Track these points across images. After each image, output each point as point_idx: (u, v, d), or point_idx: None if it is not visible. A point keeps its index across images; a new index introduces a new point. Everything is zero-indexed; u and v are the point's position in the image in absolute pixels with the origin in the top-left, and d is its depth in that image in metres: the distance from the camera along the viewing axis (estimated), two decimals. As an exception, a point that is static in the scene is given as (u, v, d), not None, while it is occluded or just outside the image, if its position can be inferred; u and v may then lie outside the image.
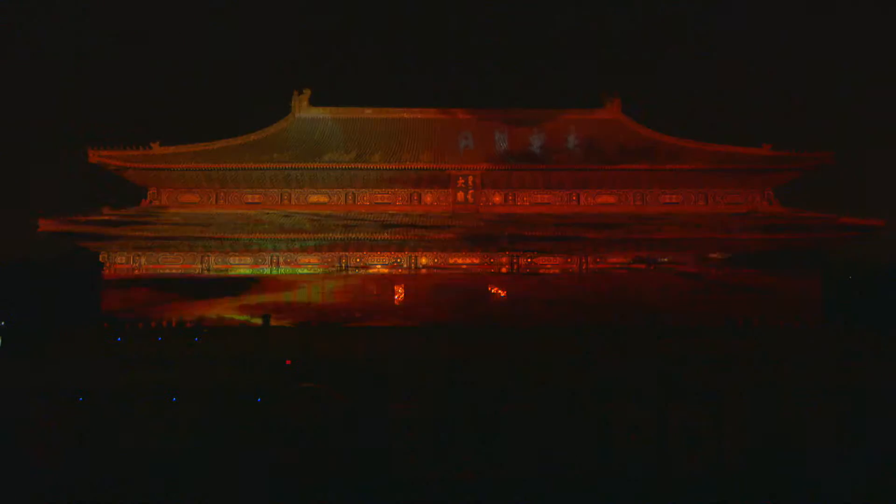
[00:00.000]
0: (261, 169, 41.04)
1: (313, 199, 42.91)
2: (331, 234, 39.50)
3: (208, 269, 40.65)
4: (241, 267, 40.83)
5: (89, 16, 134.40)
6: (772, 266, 40.92)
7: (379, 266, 41.47)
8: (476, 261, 41.82)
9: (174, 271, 40.55)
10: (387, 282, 41.46)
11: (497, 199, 43.31)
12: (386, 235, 39.50)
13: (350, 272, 41.09)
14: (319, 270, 41.04)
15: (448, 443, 10.43)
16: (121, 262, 40.40)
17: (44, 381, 16.73)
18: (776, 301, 40.35)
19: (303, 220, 40.62)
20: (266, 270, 40.85)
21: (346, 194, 42.90)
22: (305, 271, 41.07)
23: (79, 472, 8.71)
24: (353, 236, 39.47)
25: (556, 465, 8.51)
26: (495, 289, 41.66)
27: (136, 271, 40.36)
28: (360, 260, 41.28)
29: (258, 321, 38.86)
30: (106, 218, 39.85)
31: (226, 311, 39.77)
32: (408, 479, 8.16)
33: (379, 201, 42.98)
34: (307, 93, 48.80)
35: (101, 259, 40.57)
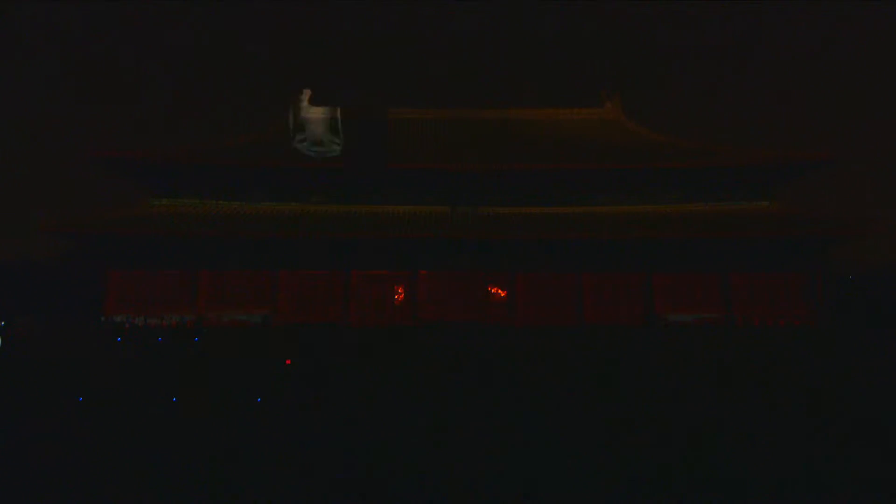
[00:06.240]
0: (260, 169, 41.17)
1: (314, 198, 43.06)
2: (331, 234, 39.56)
3: (208, 269, 40.69)
4: (241, 266, 40.86)
5: (90, 15, 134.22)
6: (772, 266, 41.03)
7: (378, 266, 41.51)
8: (475, 261, 41.85)
9: (173, 271, 40.62)
10: (386, 282, 41.51)
11: (497, 198, 43.42)
12: (386, 235, 39.52)
13: (350, 272, 41.11)
14: (319, 269, 41.13)
15: (449, 443, 10.41)
16: (120, 262, 40.46)
17: (44, 381, 16.72)
18: (776, 301, 40.47)
19: (304, 220, 40.70)
20: (267, 269, 40.91)
21: (346, 194, 43.04)
22: (306, 270, 41.14)
23: (78, 473, 8.70)
24: (354, 236, 39.50)
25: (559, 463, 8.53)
26: (495, 289, 41.71)
27: (136, 271, 40.41)
28: (360, 260, 41.35)
29: (258, 320, 39.01)
30: (106, 218, 39.90)
31: (226, 310, 39.87)
32: (408, 479, 8.16)
33: (379, 201, 43.15)
34: (307, 93, 48.96)
35: (100, 259, 40.63)
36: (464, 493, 7.78)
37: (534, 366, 20.74)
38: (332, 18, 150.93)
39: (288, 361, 20.26)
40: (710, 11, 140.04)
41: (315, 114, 46.99)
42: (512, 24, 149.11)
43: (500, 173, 42.18)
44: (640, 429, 11.17)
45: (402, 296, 41.45)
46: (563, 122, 49.21)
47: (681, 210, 42.79)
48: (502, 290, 41.62)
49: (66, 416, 12.39)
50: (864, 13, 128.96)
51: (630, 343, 28.24)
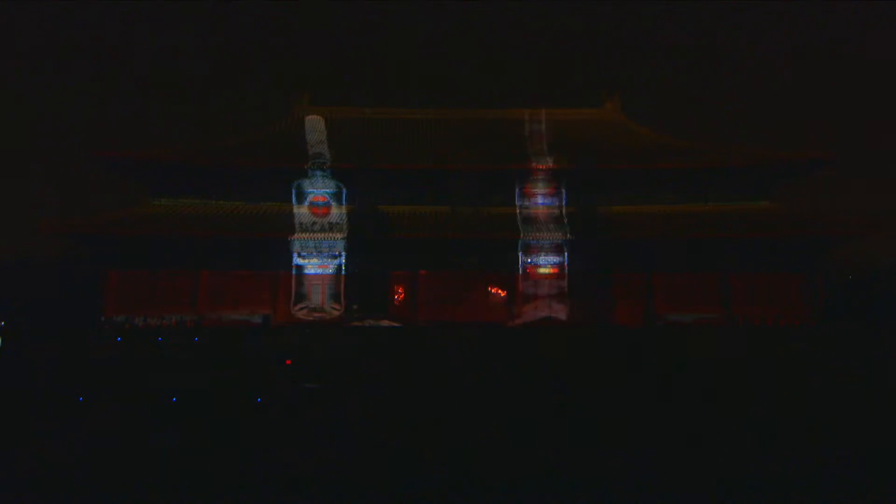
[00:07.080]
0: (261, 169, 41.11)
1: (313, 198, 42.91)
2: (331, 235, 39.57)
3: (208, 269, 40.61)
4: (241, 266, 40.78)
5: (90, 15, 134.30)
6: (772, 266, 40.97)
7: (379, 266, 41.42)
8: (476, 261, 41.76)
9: (174, 271, 40.54)
10: (387, 282, 41.45)
11: (498, 198, 43.28)
12: (386, 236, 39.50)
13: (350, 272, 41.03)
14: (319, 270, 41.07)
15: (446, 444, 10.41)
16: (121, 262, 40.38)
17: (44, 381, 16.70)
18: (776, 301, 40.41)
19: (303, 220, 40.66)
20: (266, 270, 40.82)
21: (346, 194, 42.88)
22: (305, 271, 41.08)
23: (78, 474, 8.69)
24: (354, 236, 39.51)
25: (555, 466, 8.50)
26: (495, 289, 41.68)
27: (136, 271, 40.33)
28: (360, 260, 41.26)
29: (258, 321, 38.94)
30: (106, 218, 39.89)
31: (226, 310, 39.80)
32: (406, 479, 8.16)
33: (379, 201, 42.97)
34: (307, 93, 48.91)
35: (101, 259, 40.58)
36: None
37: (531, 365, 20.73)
38: (333, 18, 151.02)
39: (288, 361, 20.26)
40: (710, 11, 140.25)
41: (315, 113, 46.93)
42: (512, 25, 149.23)
43: (500, 173, 42.11)
44: (639, 429, 11.17)
45: (402, 295, 41.43)
46: (563, 122, 49.09)
47: (681, 210, 42.71)
48: (501, 290, 41.56)
49: (66, 415, 12.39)
50: (864, 13, 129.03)
51: (630, 343, 28.21)
